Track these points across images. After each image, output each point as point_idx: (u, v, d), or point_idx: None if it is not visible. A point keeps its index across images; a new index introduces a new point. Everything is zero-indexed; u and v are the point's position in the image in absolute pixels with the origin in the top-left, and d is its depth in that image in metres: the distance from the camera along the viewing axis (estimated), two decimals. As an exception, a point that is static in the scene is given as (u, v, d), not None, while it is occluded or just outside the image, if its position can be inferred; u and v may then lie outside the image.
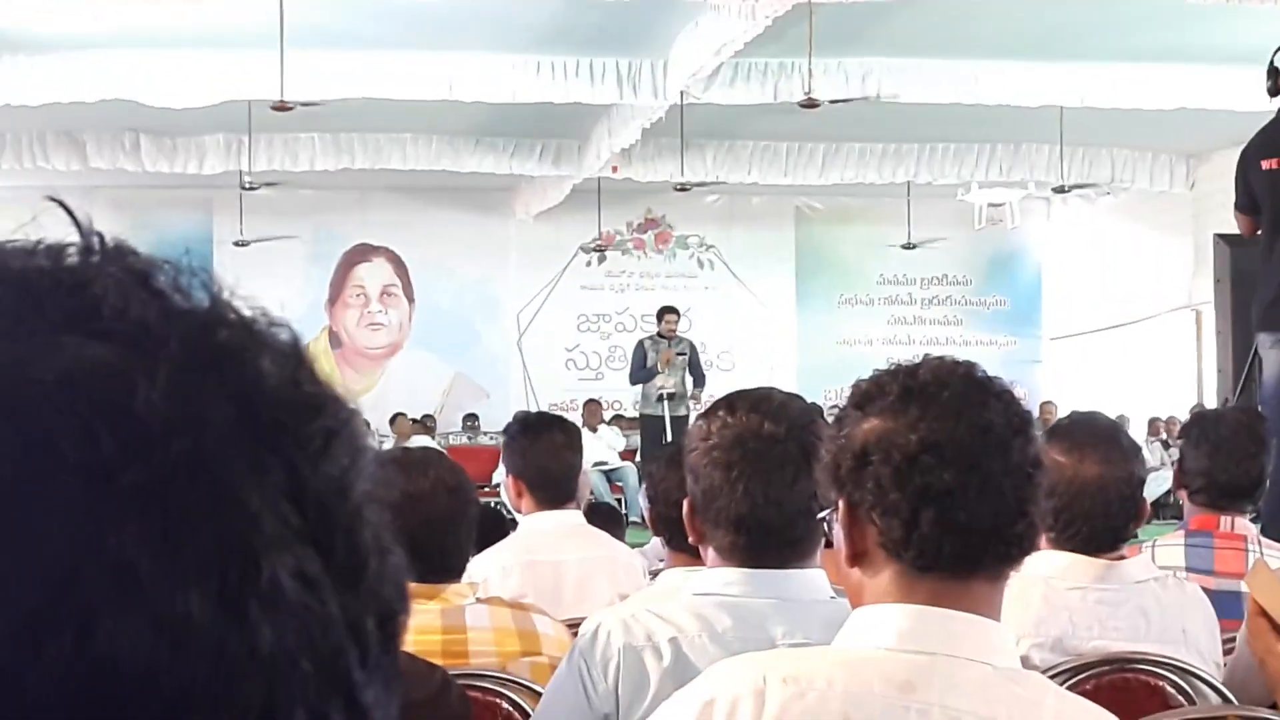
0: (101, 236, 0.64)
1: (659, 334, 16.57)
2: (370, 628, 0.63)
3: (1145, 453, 17.28)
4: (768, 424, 2.71)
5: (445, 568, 3.42)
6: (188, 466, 0.59)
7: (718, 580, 2.75)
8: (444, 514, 3.38)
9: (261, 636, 0.58)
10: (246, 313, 0.65)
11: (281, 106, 13.90)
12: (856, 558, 2.03)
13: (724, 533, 2.72)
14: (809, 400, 2.99)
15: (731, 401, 2.78)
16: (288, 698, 0.60)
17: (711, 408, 2.82)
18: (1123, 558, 3.58)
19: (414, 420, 20.71)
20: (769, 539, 2.71)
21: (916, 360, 2.06)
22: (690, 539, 2.84)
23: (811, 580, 2.74)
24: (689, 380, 16.23)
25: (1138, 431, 19.11)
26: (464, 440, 21.25)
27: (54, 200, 0.65)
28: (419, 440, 18.39)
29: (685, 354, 16.36)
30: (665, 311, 16.80)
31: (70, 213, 0.65)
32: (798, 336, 24.17)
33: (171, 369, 0.60)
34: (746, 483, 2.68)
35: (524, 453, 4.80)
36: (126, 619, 0.56)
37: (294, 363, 0.64)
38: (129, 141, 18.32)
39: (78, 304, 0.61)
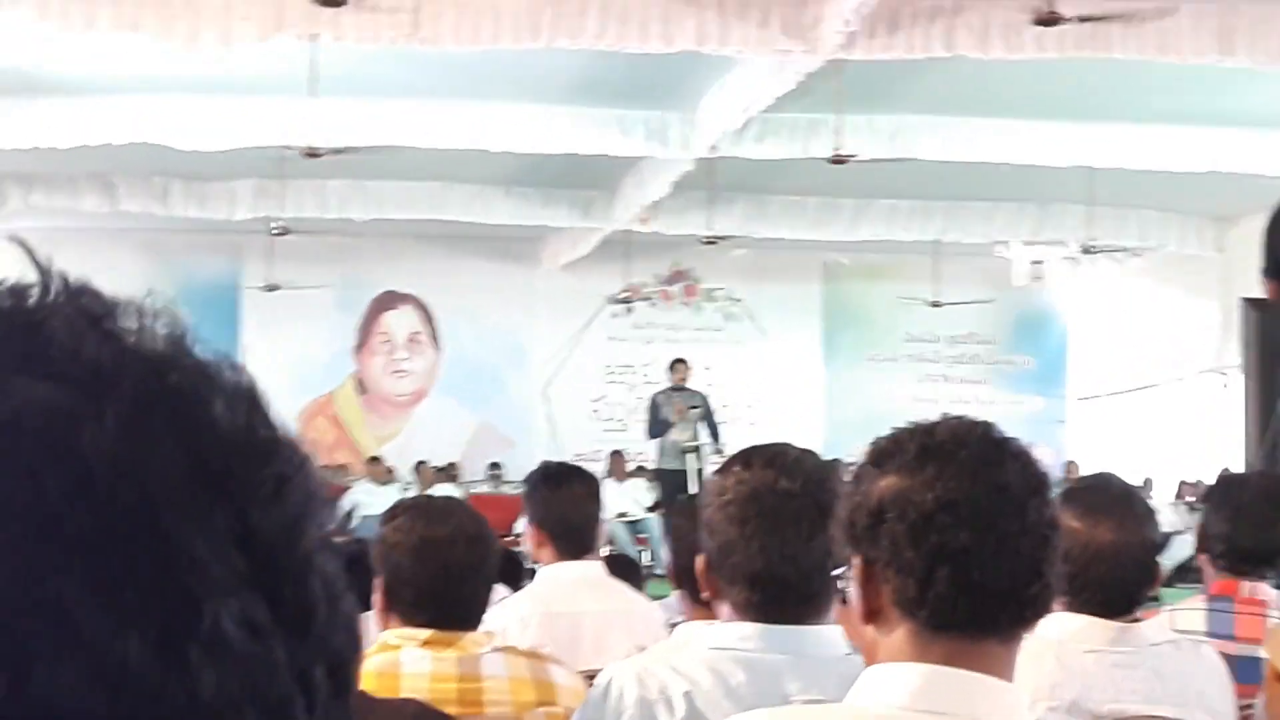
0: (65, 277, 0.64)
1: (671, 387, 16.57)
2: (319, 675, 0.63)
3: (1173, 516, 17.00)
4: (783, 480, 2.70)
5: (463, 616, 3.41)
6: (133, 511, 0.58)
7: (733, 635, 2.74)
8: (463, 561, 3.37)
9: (203, 683, 0.58)
10: (203, 356, 0.64)
11: (312, 153, 13.97)
12: (871, 615, 2.02)
13: (739, 589, 2.72)
14: (837, 457, 2.99)
15: (747, 457, 2.77)
16: None
17: (727, 463, 2.82)
18: (1137, 620, 3.57)
19: (438, 468, 20.71)
20: (784, 595, 2.70)
21: (935, 419, 2.06)
22: (705, 594, 2.84)
23: (826, 637, 2.73)
24: (703, 432, 16.21)
25: (1165, 494, 19.03)
26: (487, 488, 21.23)
27: (15, 241, 0.65)
28: (443, 488, 18.40)
29: (699, 406, 16.34)
30: (675, 363, 16.83)
31: (30, 252, 0.64)
32: (826, 393, 24.14)
33: (121, 411, 0.59)
34: (762, 538, 2.68)
35: (545, 502, 4.80)
36: (63, 665, 0.56)
37: (247, 407, 0.64)
38: (159, 185, 18.37)
39: (31, 345, 0.60)
